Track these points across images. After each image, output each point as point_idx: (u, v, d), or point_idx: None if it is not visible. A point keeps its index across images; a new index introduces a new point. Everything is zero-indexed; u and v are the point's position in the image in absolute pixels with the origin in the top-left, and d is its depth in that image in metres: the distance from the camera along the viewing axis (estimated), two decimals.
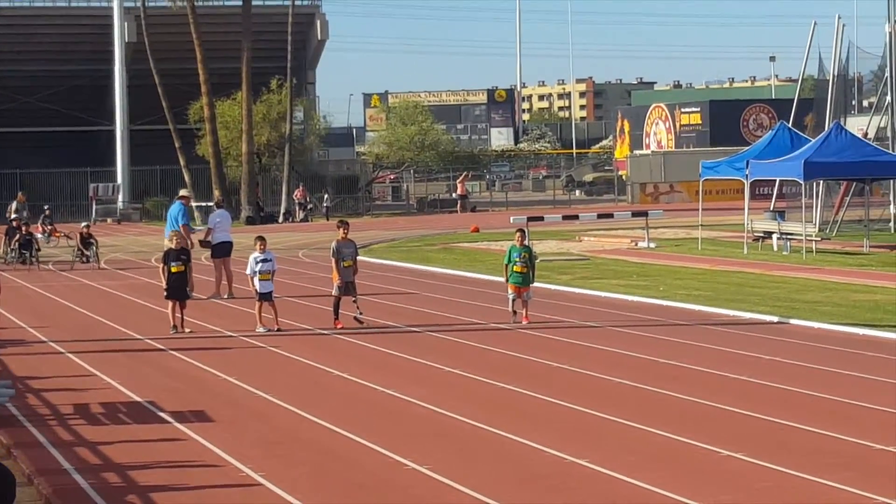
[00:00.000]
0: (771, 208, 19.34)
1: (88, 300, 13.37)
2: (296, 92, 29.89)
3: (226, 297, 12.35)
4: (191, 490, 4.57)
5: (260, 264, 9.86)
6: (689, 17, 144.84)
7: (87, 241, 17.17)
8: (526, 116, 61.20)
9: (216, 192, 23.37)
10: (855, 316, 10.26)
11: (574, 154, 44.63)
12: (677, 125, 34.12)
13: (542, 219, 20.79)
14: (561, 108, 70.13)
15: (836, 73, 20.60)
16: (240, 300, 11.81)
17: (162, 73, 26.45)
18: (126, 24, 27.89)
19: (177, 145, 27.66)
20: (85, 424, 6.34)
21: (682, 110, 35.00)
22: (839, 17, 20.64)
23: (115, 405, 6.84)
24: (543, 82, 73.00)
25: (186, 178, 26.45)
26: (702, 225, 18.77)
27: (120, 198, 28.15)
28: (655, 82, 66.55)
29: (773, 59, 57.56)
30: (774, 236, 17.24)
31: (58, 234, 19.36)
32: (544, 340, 9.42)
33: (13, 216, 18.04)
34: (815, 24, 21.38)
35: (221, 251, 12.58)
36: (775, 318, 10.33)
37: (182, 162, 27.23)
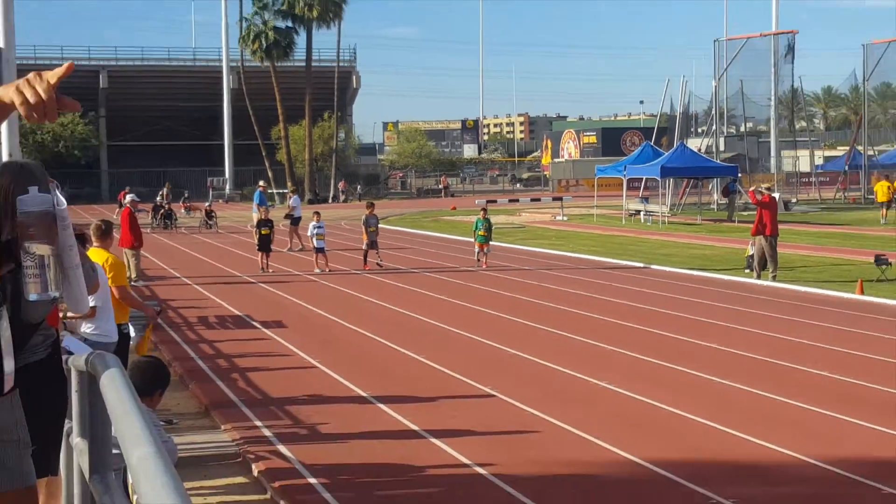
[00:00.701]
0: (640, 196, 27.78)
1: (207, 251, 18.26)
2: (340, 120, 44.39)
3: (297, 250, 17.23)
4: (272, 370, 7.10)
5: (316, 229, 14.25)
6: (590, 74, 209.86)
7: (209, 214, 23.70)
8: (486, 137, 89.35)
9: (289, 184, 33.94)
10: (692, 263, 14.92)
11: (516, 161, 67.80)
12: (581, 143, 50.73)
13: (495, 201, 30.12)
14: (508, 132, 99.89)
15: (681, 111, 32.16)
16: (305, 252, 16.40)
17: (253, 108, 39.04)
18: (230, 76, 42.79)
19: (263, 153, 40.23)
20: (204, 329, 9.33)
21: (584, 134, 52.49)
22: (684, 76, 33.72)
23: (224, 317, 10.08)
24: (497, 115, 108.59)
25: (269, 174, 38.31)
26: (596, 206, 26.78)
27: (227, 187, 41.71)
28: (567, 116, 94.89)
29: (642, 102, 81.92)
30: (641, 213, 24.84)
31: (195, 209, 26.90)
32: (496, 278, 13.49)
33: (158, 198, 25.40)
34: (669, 80, 33.09)
35: (297, 221, 18.04)
36: (641, 264, 14.78)
37: (266, 164, 39.99)
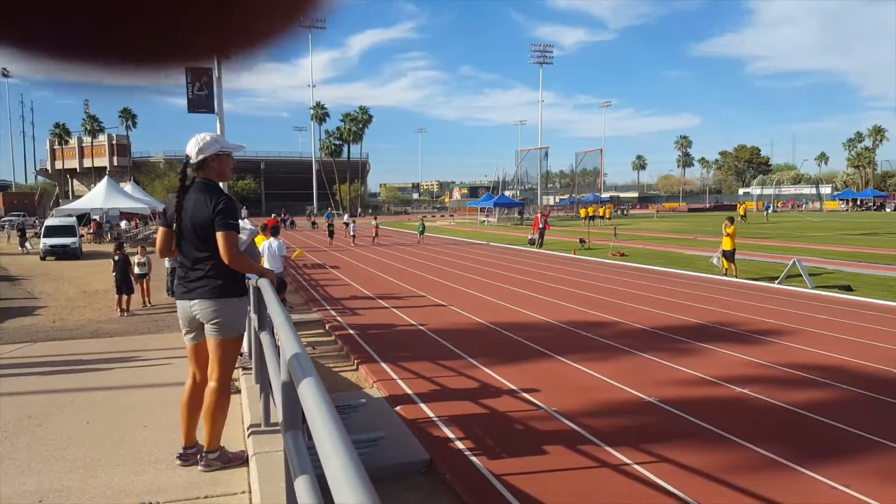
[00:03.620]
0: (485, 214, 62.36)
1: (311, 238, 34.86)
2: (361, 182, 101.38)
3: (352, 236, 32.07)
4: (334, 288, 15.61)
5: (352, 226, 31.30)
6: (468, 165, 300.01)
7: (313, 224, 50.90)
8: (422, 190, 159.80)
9: (340, 210, 74.64)
10: (511, 241, 26.94)
11: (434, 199, 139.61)
12: (461, 192, 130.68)
13: (426, 216, 69.99)
14: (430, 188, 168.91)
15: (501, 178, 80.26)
16: (348, 238, 30.27)
17: (325, 176, 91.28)
18: (315, 163, 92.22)
19: (329, 196, 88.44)
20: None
21: (461, 188, 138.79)
22: (503, 166, 61.58)
23: (320, 263, 18.94)
24: (427, 180, 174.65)
25: (332, 205, 71.93)
26: (467, 219, 64.45)
27: (315, 210, 79.80)
28: (454, 180, 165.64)
29: (486, 175, 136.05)
30: (485, 222, 58.18)
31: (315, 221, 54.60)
32: (430, 248, 25.00)
33: (282, 215, 48.84)
34: (498, 167, 76.34)
35: (352, 230, 33.12)
36: (486, 242, 28.50)
37: (331, 202, 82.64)
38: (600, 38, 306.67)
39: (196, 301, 3.97)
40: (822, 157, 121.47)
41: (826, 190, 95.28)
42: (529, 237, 30.34)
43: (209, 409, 4.01)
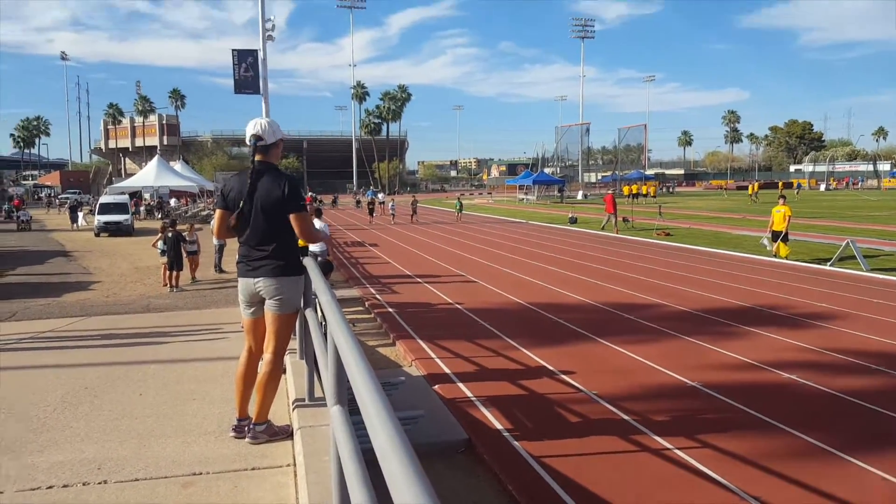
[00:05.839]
0: (524, 192, 62.47)
1: (355, 217, 36.83)
2: (400, 160, 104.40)
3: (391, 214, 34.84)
4: (373, 266, 16.11)
5: (392, 204, 34.06)
6: (509, 142, 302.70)
7: (358, 202, 53.83)
8: (460, 167, 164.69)
9: (380, 188, 76.63)
10: (551, 220, 30.54)
11: (472, 177, 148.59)
12: (499, 170, 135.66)
13: (464, 194, 63.58)
14: (467, 165, 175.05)
15: (541, 156, 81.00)
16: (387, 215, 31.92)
17: (365, 155, 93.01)
18: (354, 142, 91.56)
19: (369, 174, 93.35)
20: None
21: (499, 165, 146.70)
22: (543, 142, 63.24)
23: (357, 242, 19.52)
24: (464, 157, 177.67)
25: (371, 183, 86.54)
26: (506, 197, 65.65)
27: (355, 188, 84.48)
28: (492, 157, 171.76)
29: (525, 152, 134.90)
30: (524, 200, 60.88)
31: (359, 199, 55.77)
32: (467, 226, 26.66)
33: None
34: (537, 143, 74.78)
35: (392, 208, 35.01)
36: (525, 221, 30.49)
37: (370, 179, 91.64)
38: (643, 11, 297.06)
39: (260, 279, 4.13)
40: (881, 132, 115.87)
41: (885, 167, 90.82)
42: (570, 216, 30.18)
43: (262, 380, 4.16)
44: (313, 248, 10.18)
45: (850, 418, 5.52)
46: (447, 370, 6.87)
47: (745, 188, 65.85)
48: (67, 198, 54.54)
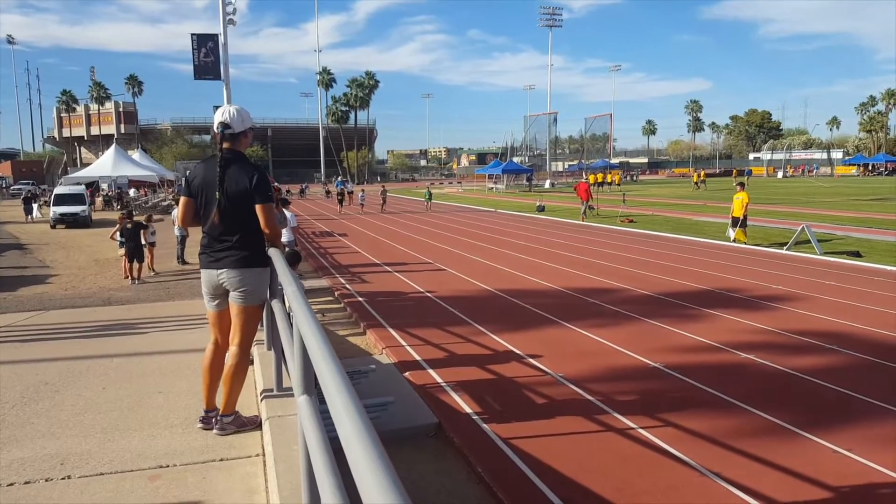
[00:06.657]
0: (493, 181, 64.24)
1: (324, 208, 37.50)
2: (368, 150, 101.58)
3: (361, 204, 35.05)
4: (342, 255, 16.02)
5: (361, 195, 33.69)
6: (478, 131, 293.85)
7: (328, 192, 50.93)
8: (429, 156, 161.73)
9: (347, 178, 71.91)
10: (520, 208, 29.18)
11: (442, 167, 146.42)
12: (469, 159, 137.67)
13: (434, 183, 71.40)
14: (437, 154, 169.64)
15: (510, 145, 79.31)
16: (357, 206, 31.31)
17: (332, 143, 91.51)
18: (321, 130, 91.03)
19: (337, 164, 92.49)
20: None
21: (469, 155, 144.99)
22: (511, 131, 61.67)
23: (327, 232, 19.00)
24: (434, 147, 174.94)
25: (340, 172, 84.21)
26: (475, 186, 64.86)
27: (323, 178, 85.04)
28: (462, 147, 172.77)
29: (494, 142, 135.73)
30: (493, 188, 60.01)
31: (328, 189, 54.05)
32: (438, 216, 25.57)
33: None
34: (506, 132, 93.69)
35: (361, 198, 35.27)
36: (494, 209, 30.01)
37: (338, 169, 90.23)
38: (610, 0, 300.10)
39: (223, 270, 4.04)
40: (834, 122, 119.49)
41: (837, 155, 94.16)
42: (538, 204, 30.28)
43: (228, 373, 4.11)
44: (283, 238, 10.07)
45: (805, 396, 5.74)
46: (417, 357, 6.90)
47: (710, 176, 66.16)
48: (20, 189, 52.68)
